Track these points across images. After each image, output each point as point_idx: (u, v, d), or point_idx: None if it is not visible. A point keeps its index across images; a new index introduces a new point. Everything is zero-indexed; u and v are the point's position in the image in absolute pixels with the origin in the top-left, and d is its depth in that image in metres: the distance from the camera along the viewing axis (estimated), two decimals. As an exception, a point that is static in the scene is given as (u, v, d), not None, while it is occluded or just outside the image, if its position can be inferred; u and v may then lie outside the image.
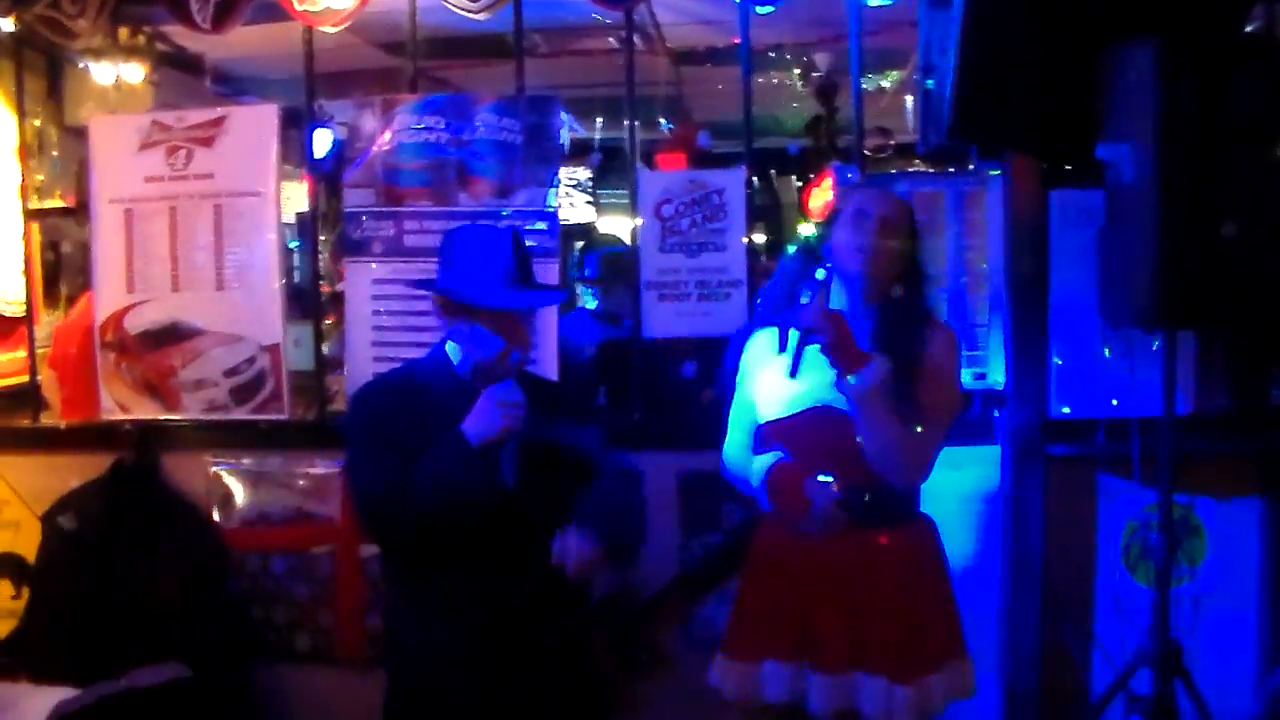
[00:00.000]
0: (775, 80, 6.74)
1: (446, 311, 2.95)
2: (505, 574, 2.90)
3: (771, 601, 3.17)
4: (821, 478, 3.01)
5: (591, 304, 5.54)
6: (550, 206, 4.14)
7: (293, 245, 5.75)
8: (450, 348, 2.99)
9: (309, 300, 4.61)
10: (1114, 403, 3.88)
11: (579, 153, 7.06)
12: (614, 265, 4.99)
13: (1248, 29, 3.48)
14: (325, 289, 4.81)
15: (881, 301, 3.06)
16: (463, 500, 2.79)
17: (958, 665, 3.08)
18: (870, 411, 2.92)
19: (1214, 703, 3.49)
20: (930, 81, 3.80)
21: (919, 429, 2.94)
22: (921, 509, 3.20)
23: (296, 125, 4.46)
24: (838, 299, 3.09)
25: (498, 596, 2.90)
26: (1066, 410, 3.93)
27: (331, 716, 4.20)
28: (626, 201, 4.25)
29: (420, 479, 2.76)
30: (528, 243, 3.08)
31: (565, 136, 4.19)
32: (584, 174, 8.14)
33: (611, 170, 7.73)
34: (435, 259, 3.08)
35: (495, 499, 2.85)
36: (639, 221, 4.18)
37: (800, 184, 7.51)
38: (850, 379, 2.90)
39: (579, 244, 6.33)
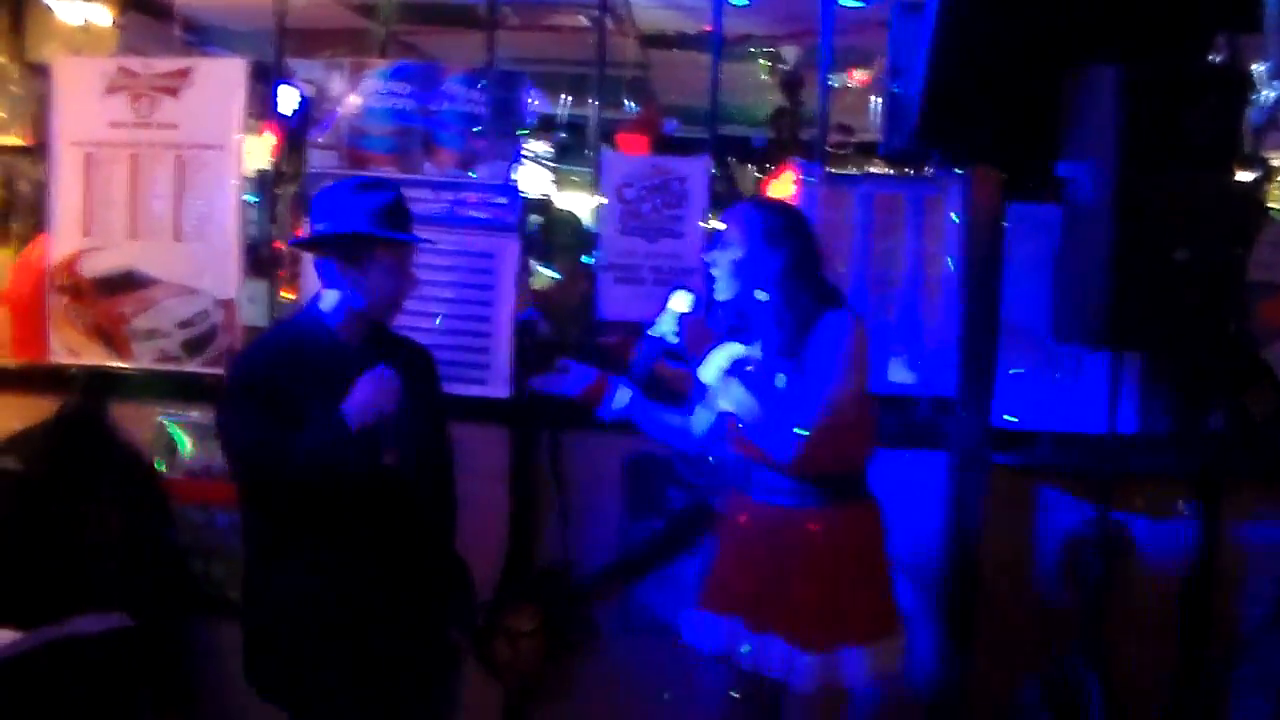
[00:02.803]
0: (741, 69, 6.74)
1: (332, 263, 3.00)
2: (378, 540, 3.00)
3: (720, 560, 3.33)
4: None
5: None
6: (512, 180, 4.15)
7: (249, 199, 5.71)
8: (326, 302, 3.05)
9: (262, 256, 4.58)
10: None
11: (541, 127, 7.05)
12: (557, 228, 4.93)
13: (1211, 59, 3.50)
14: (278, 245, 4.78)
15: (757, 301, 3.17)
16: (340, 477, 2.88)
17: (882, 645, 3.15)
18: (726, 395, 3.10)
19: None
20: (897, 85, 3.80)
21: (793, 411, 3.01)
22: (870, 491, 3.28)
23: (262, 80, 4.41)
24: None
25: (368, 560, 3.00)
26: (1012, 419, 3.97)
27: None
28: (585, 179, 4.26)
29: (298, 454, 2.84)
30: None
31: (531, 112, 4.18)
32: (542, 148, 8.14)
33: (572, 147, 7.73)
34: None
35: (373, 476, 2.95)
36: (602, 201, 4.20)
37: (759, 174, 7.51)
38: (701, 366, 3.12)
39: (536, 218, 6.33)
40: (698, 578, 3.40)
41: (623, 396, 3.34)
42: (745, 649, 3.16)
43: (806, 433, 2.97)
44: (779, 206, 3.34)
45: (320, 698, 2.99)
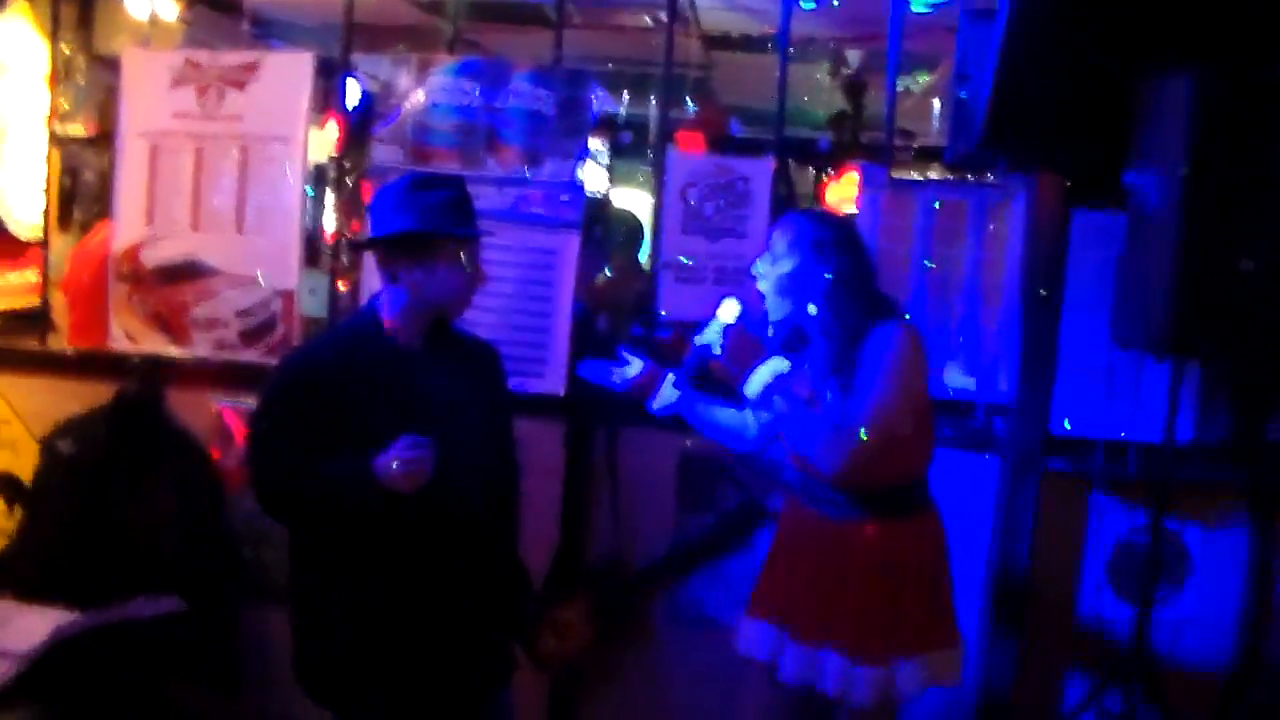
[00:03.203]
0: (803, 70, 6.74)
1: (396, 263, 2.92)
2: (432, 549, 2.92)
3: (771, 568, 3.32)
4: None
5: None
6: (577, 178, 4.17)
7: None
8: (386, 302, 2.97)
9: (320, 248, 4.63)
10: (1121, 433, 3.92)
11: (602, 126, 7.06)
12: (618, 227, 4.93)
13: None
14: (334, 236, 4.83)
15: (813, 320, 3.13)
16: (361, 519, 2.80)
17: (939, 655, 3.13)
18: (775, 404, 3.03)
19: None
20: (964, 91, 3.81)
21: (839, 424, 2.97)
22: (930, 501, 3.24)
23: (325, 75, 4.46)
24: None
25: (421, 568, 2.92)
26: (1068, 425, 3.97)
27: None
28: (642, 178, 4.28)
29: (318, 488, 2.78)
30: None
31: (597, 111, 4.21)
32: (599, 146, 8.15)
33: (630, 146, 7.74)
34: None
35: (422, 497, 2.80)
36: (655, 204, 4.22)
37: (817, 176, 7.51)
38: (747, 381, 3.04)
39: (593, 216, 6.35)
40: (751, 583, 3.40)
41: (669, 392, 3.29)
42: (793, 660, 3.14)
43: (853, 447, 2.93)
44: (829, 218, 3.31)
45: (369, 707, 2.93)
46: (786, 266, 3.12)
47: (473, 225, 3.01)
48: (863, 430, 2.93)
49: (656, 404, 3.27)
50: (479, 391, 3.02)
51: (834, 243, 3.10)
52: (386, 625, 2.90)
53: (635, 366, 3.30)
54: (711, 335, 3.15)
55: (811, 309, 3.10)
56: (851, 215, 3.72)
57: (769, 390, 3.03)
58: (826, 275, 3.07)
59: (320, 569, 2.94)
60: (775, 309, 3.18)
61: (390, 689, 2.91)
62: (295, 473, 2.79)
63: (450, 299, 2.97)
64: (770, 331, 3.22)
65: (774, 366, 3.06)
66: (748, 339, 3.14)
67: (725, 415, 3.36)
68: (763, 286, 3.19)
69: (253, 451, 2.96)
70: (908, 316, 3.17)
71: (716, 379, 3.24)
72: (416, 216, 2.90)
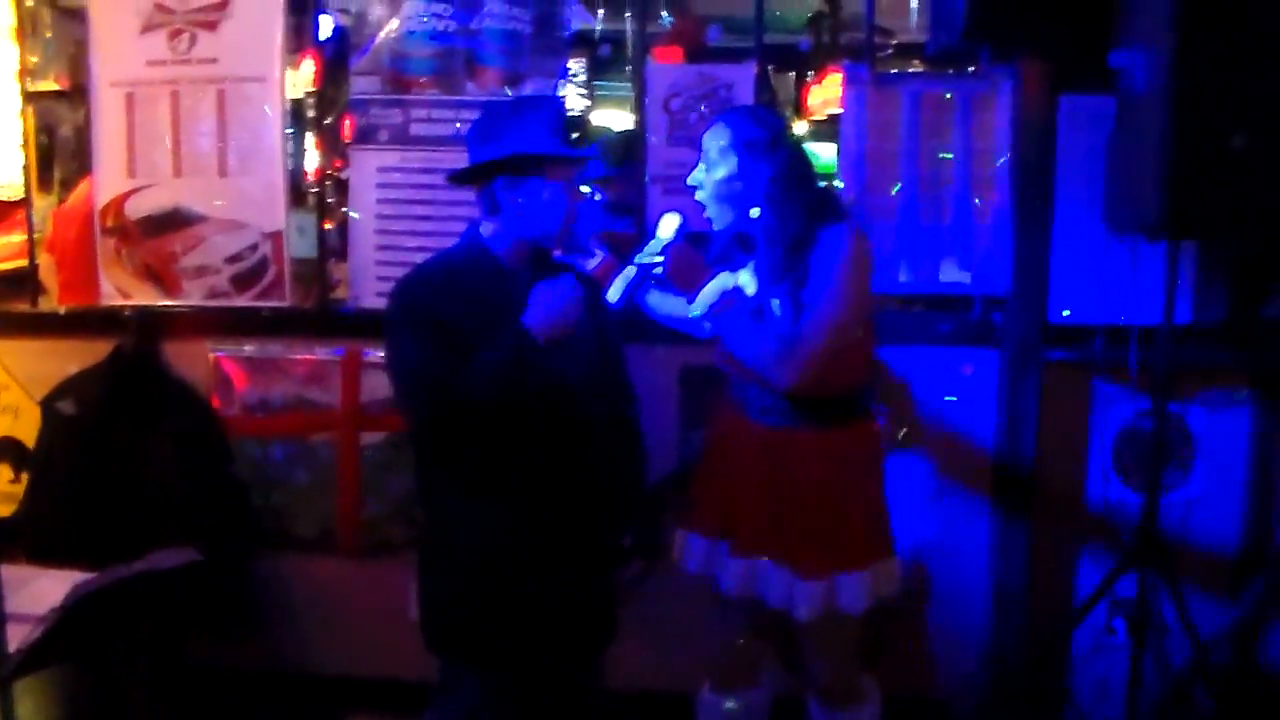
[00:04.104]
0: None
1: (497, 191, 2.84)
2: (560, 467, 2.90)
3: (706, 479, 3.34)
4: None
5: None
6: (559, 96, 4.09)
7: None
8: (489, 230, 2.90)
9: (303, 188, 4.58)
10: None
11: (578, 43, 6.99)
12: (616, 152, 4.89)
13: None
14: (317, 173, 4.78)
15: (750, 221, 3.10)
16: (525, 394, 2.75)
17: (879, 565, 3.14)
18: (721, 324, 3.03)
19: (1195, 606, 3.59)
20: (944, -17, 3.77)
21: (790, 337, 2.95)
22: (869, 410, 3.25)
23: (296, 12, 4.39)
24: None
25: (552, 488, 2.90)
26: (1066, 314, 3.96)
27: (329, 603, 4.27)
28: (622, 95, 4.24)
29: (481, 373, 2.70)
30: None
31: (573, 27, 4.16)
32: (575, 65, 8.08)
33: (607, 63, 7.67)
34: (442, 148, 3.04)
35: (557, 393, 2.83)
36: (637, 116, 4.17)
37: (799, 80, 7.46)
38: (693, 299, 3.04)
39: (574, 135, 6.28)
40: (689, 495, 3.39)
41: (627, 274, 3.16)
42: (734, 574, 3.16)
43: (806, 360, 2.92)
44: (760, 116, 3.18)
45: (493, 656, 2.93)
46: (722, 171, 3.07)
47: (573, 144, 2.93)
48: (820, 341, 2.91)
49: (611, 294, 3.16)
50: (586, 318, 2.89)
51: (769, 141, 3.04)
52: (514, 564, 2.88)
53: (596, 259, 3.20)
54: (652, 253, 3.11)
55: (754, 212, 3.05)
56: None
57: (715, 306, 3.01)
58: (765, 176, 3.02)
59: (450, 513, 2.92)
60: (717, 217, 3.14)
61: (514, 636, 2.90)
62: (447, 369, 2.71)
63: (552, 228, 2.88)
64: (713, 241, 3.21)
65: (720, 283, 3.03)
66: (690, 254, 3.10)
67: (678, 305, 3.24)
68: (701, 196, 3.13)
69: (400, 368, 2.84)
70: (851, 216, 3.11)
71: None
72: (517, 140, 2.80)
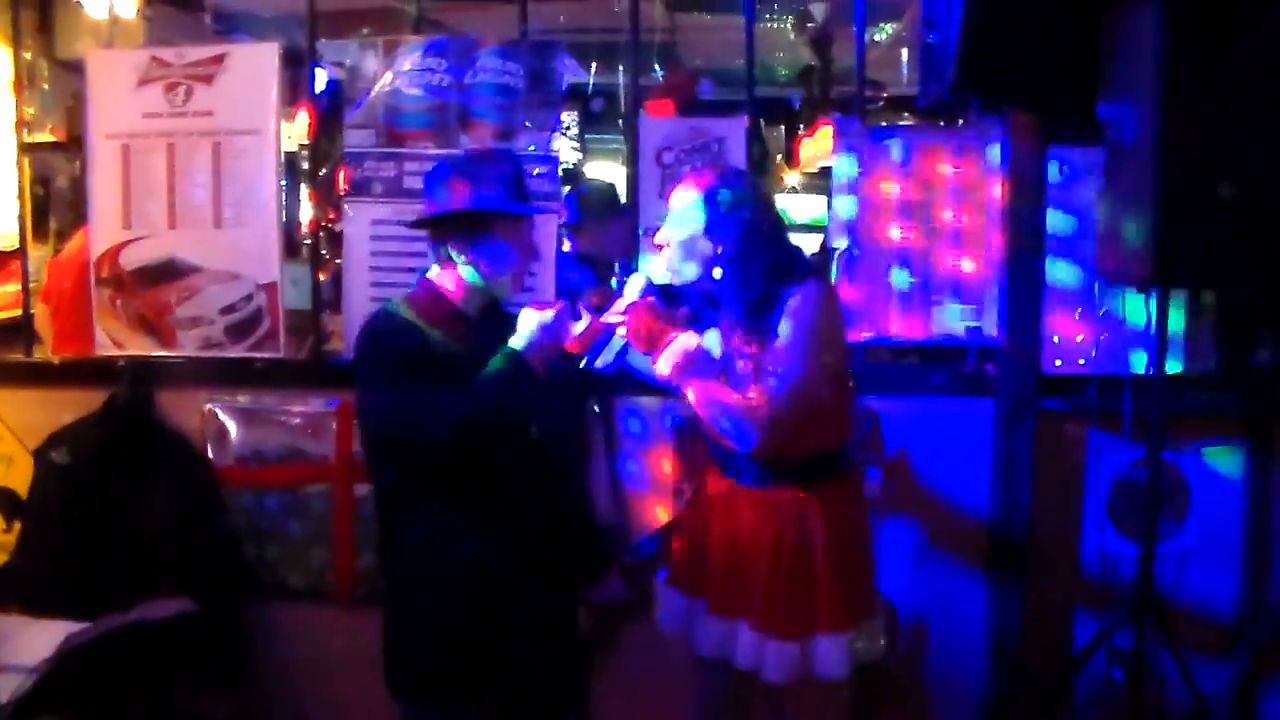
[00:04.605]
0: (768, 28, 6.73)
1: (450, 241, 2.96)
2: (531, 499, 3.00)
3: (688, 536, 3.31)
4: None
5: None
6: (552, 151, 4.15)
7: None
8: (443, 279, 3.00)
9: (298, 240, 4.59)
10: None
11: (571, 97, 7.06)
12: (593, 202, 4.91)
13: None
14: (311, 225, 4.80)
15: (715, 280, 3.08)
16: (522, 415, 2.87)
17: (860, 627, 3.07)
18: (684, 383, 3.02)
19: (1193, 657, 3.58)
20: (932, 36, 3.80)
21: (751, 394, 2.94)
22: (849, 468, 3.23)
23: (291, 65, 4.42)
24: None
25: (528, 520, 2.98)
26: (1059, 364, 3.97)
27: (322, 654, 4.24)
28: (614, 147, 4.26)
29: (482, 395, 2.80)
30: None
31: (567, 81, 4.18)
32: (568, 118, 8.14)
33: (599, 116, 7.72)
34: None
35: (544, 416, 2.97)
36: (629, 169, 4.20)
37: (789, 133, 7.52)
38: (656, 361, 3.02)
39: (565, 188, 6.33)
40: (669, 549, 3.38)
41: (615, 342, 3.15)
42: (706, 633, 3.13)
43: (768, 426, 2.90)
44: (726, 175, 3.18)
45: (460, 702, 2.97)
46: (687, 230, 3.06)
47: (526, 200, 3.03)
48: (784, 404, 2.89)
49: (599, 361, 3.14)
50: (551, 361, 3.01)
51: (732, 201, 3.03)
52: (496, 599, 2.94)
53: (583, 321, 3.18)
54: (616, 312, 3.09)
55: (716, 273, 3.04)
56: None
57: (678, 365, 2.98)
58: (727, 235, 3.00)
59: (414, 558, 2.97)
60: (680, 274, 3.12)
61: (496, 673, 2.95)
62: (431, 401, 2.79)
63: (503, 278, 2.99)
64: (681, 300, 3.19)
65: (682, 342, 3.00)
66: (654, 314, 3.08)
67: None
68: (666, 254, 3.13)
69: (378, 407, 2.90)
70: (819, 272, 3.11)
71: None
72: (471, 195, 2.92)
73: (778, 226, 3.13)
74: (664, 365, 3.00)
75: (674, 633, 3.25)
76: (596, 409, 4.04)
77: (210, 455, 4.27)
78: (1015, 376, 3.94)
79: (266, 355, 4.21)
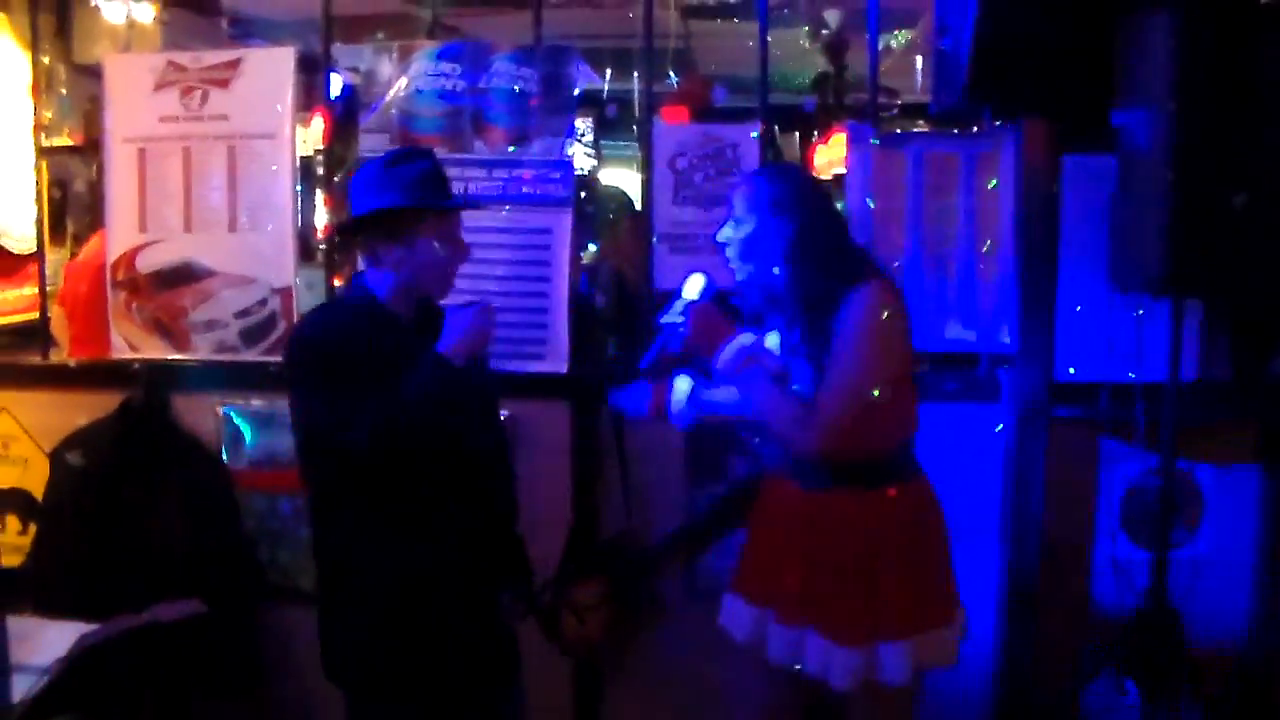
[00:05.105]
0: (783, 35, 6.73)
1: (377, 243, 2.98)
2: (471, 497, 3.06)
3: (754, 545, 3.29)
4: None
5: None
6: (566, 155, 4.16)
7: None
8: (375, 280, 3.02)
9: (313, 244, 4.61)
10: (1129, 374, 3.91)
11: (585, 103, 7.07)
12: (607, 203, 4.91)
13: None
14: (326, 229, 4.81)
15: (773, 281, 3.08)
16: (450, 416, 2.88)
17: (928, 636, 3.03)
18: (743, 383, 3.01)
19: (1207, 666, 3.57)
20: (945, 43, 3.80)
21: (810, 404, 2.94)
22: (914, 470, 3.16)
23: (306, 70, 4.44)
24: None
25: (465, 519, 3.04)
26: (1072, 371, 3.97)
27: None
28: (628, 154, 4.27)
29: (411, 397, 2.82)
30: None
31: (581, 87, 4.19)
32: (583, 124, 8.16)
33: (614, 122, 7.74)
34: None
35: (473, 416, 3.01)
36: (644, 177, 4.21)
37: (804, 140, 7.53)
38: (715, 360, 3.03)
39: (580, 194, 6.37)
40: (735, 559, 3.37)
41: (681, 390, 3.30)
42: (777, 641, 3.10)
43: (825, 427, 2.89)
44: (787, 174, 3.20)
45: (401, 686, 2.98)
46: (746, 229, 3.06)
47: (449, 197, 3.07)
48: (842, 405, 2.88)
49: (674, 409, 3.28)
50: (477, 366, 3.07)
51: (793, 199, 3.03)
52: (429, 597, 2.97)
53: (657, 389, 3.30)
54: (676, 314, 3.11)
55: (775, 270, 3.04)
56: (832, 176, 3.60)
57: (734, 365, 2.99)
58: (786, 235, 3.00)
59: (361, 554, 2.97)
60: (740, 274, 3.12)
61: (432, 667, 2.99)
62: (362, 406, 2.78)
63: (431, 275, 3.02)
64: (743, 300, 3.20)
65: (740, 342, 3.01)
66: (714, 314, 3.09)
67: (728, 394, 3.22)
68: (729, 253, 3.13)
69: (331, 418, 2.84)
70: (883, 274, 3.08)
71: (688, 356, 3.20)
72: (393, 193, 2.93)
73: (837, 226, 3.13)
74: (723, 364, 3.01)
75: (746, 644, 3.20)
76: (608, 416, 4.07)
77: (224, 458, 4.29)
78: (1028, 384, 3.93)
79: (281, 359, 4.20)
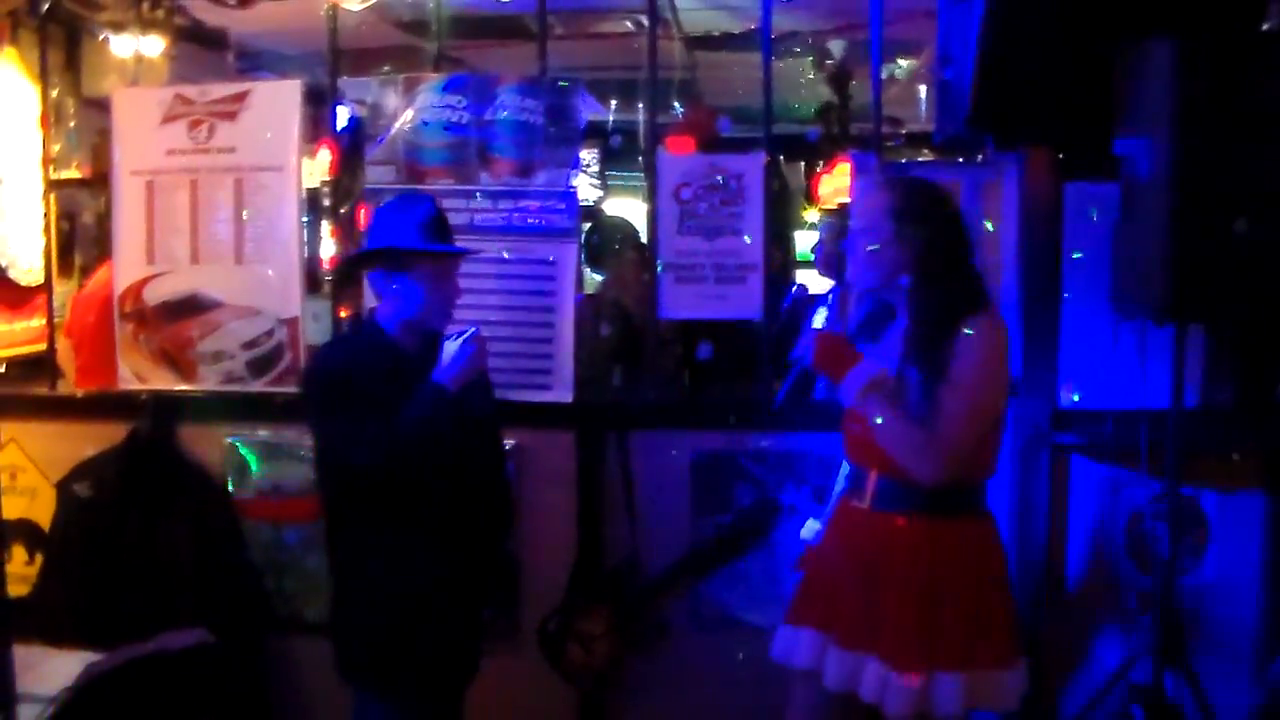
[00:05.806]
0: (787, 65, 6.77)
1: (381, 279, 3.21)
2: (462, 509, 3.24)
3: (818, 571, 3.25)
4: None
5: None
6: (571, 186, 4.18)
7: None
8: (382, 313, 3.25)
9: (319, 275, 4.63)
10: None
11: (590, 134, 7.09)
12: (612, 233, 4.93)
13: (1264, 27, 3.50)
14: (333, 261, 4.83)
15: (902, 294, 3.07)
16: (444, 438, 3.08)
17: (983, 674, 2.98)
18: (867, 410, 2.99)
19: (1213, 693, 3.55)
20: (948, 73, 3.82)
21: (929, 427, 2.92)
22: (985, 509, 3.14)
23: (313, 102, 4.47)
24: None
25: (455, 530, 3.24)
26: (1076, 399, 3.97)
27: (339, 687, 4.23)
28: (633, 184, 4.29)
29: (408, 423, 3.04)
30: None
31: (586, 118, 4.22)
32: (588, 155, 8.18)
33: (619, 153, 7.76)
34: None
35: (466, 436, 3.18)
36: (650, 206, 4.22)
37: (808, 170, 7.56)
38: (838, 385, 3.02)
39: (586, 225, 6.39)
40: (771, 583, 3.37)
41: (809, 531, 3.29)
42: (835, 665, 3.06)
43: (949, 455, 2.90)
44: (915, 185, 3.16)
45: (404, 678, 3.20)
46: (871, 238, 3.03)
47: (447, 242, 3.24)
48: (960, 435, 2.90)
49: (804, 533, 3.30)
50: (473, 394, 3.23)
51: (920, 214, 3.01)
52: (420, 601, 3.19)
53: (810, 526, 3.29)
54: (804, 347, 3.09)
55: (899, 283, 3.03)
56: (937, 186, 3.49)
57: (862, 392, 2.97)
58: (912, 250, 2.99)
59: (364, 561, 3.21)
60: (859, 280, 3.13)
61: (419, 664, 3.21)
62: (371, 428, 3.02)
63: (429, 312, 3.20)
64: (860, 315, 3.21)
65: (866, 369, 2.99)
66: (834, 342, 3.08)
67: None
68: (853, 259, 3.11)
69: (344, 439, 3.09)
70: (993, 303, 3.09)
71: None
72: (395, 234, 3.16)
73: (963, 247, 3.08)
74: (848, 390, 3.00)
75: (806, 669, 3.15)
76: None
77: (230, 489, 4.30)
78: (1031, 411, 3.94)
79: (287, 390, 4.21)
